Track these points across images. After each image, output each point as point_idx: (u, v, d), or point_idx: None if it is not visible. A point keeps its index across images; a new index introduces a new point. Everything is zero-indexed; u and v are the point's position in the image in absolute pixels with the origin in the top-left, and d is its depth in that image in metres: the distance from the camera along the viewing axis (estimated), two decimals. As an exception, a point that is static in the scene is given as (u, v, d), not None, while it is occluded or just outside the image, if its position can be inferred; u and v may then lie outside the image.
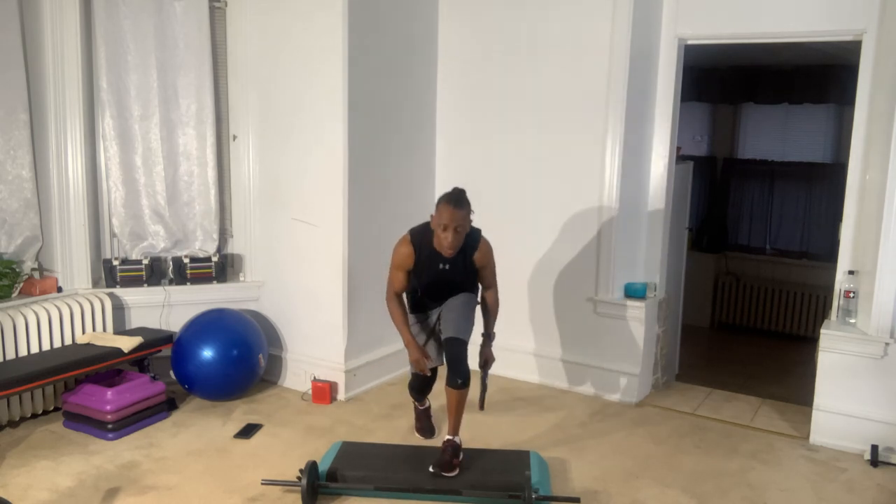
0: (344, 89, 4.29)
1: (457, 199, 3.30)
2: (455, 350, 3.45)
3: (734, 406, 4.64)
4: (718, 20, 4.37)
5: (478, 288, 3.65)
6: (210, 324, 4.44)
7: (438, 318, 3.64)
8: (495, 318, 3.66)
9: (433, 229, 3.35)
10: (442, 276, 3.48)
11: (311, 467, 3.31)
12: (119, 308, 4.54)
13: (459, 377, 3.41)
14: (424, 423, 4.00)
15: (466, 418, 4.17)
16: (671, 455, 3.92)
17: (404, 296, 3.66)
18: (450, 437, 3.54)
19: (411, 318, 3.67)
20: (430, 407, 4.02)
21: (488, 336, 3.65)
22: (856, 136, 4.03)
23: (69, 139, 4.39)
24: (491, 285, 3.61)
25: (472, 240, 3.45)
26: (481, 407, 3.76)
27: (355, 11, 4.28)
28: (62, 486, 3.45)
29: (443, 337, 3.55)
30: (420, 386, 3.81)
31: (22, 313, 4.06)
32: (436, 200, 3.40)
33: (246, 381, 4.50)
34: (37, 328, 4.10)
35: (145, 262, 4.61)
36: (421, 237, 3.45)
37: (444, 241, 3.29)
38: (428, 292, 3.61)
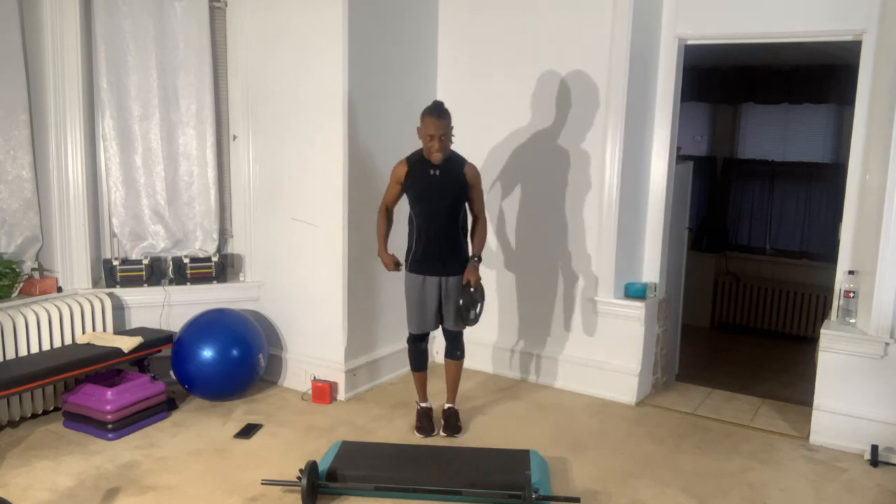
0: (344, 89, 4.30)
1: (439, 111, 3.78)
2: (456, 335, 4.07)
3: (734, 406, 4.64)
4: (718, 20, 4.37)
5: (466, 220, 4.00)
6: (210, 324, 4.44)
7: (439, 301, 3.95)
8: (482, 244, 4.00)
9: (421, 140, 3.82)
10: (433, 183, 3.83)
11: (311, 467, 3.31)
12: (119, 308, 4.54)
13: (458, 350, 4.09)
14: (424, 423, 4.11)
15: (465, 418, 4.19)
16: (671, 455, 3.92)
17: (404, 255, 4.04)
18: (450, 405, 4.15)
19: (410, 278, 3.98)
20: (431, 408, 4.16)
21: (473, 257, 3.95)
22: (856, 137, 4.03)
23: (69, 139, 4.39)
24: (480, 212, 3.99)
25: (459, 159, 3.92)
26: (467, 321, 3.95)
27: (355, 11, 4.28)
28: (62, 486, 3.45)
29: (444, 326, 4.04)
30: (416, 351, 4.09)
31: (22, 313, 4.06)
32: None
33: (246, 381, 4.50)
34: (37, 328, 4.10)
35: (145, 262, 4.61)
36: (413, 155, 3.93)
37: (432, 148, 3.76)
38: (424, 211, 3.87)
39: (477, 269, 3.92)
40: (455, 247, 3.94)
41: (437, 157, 3.78)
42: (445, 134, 3.77)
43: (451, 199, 3.88)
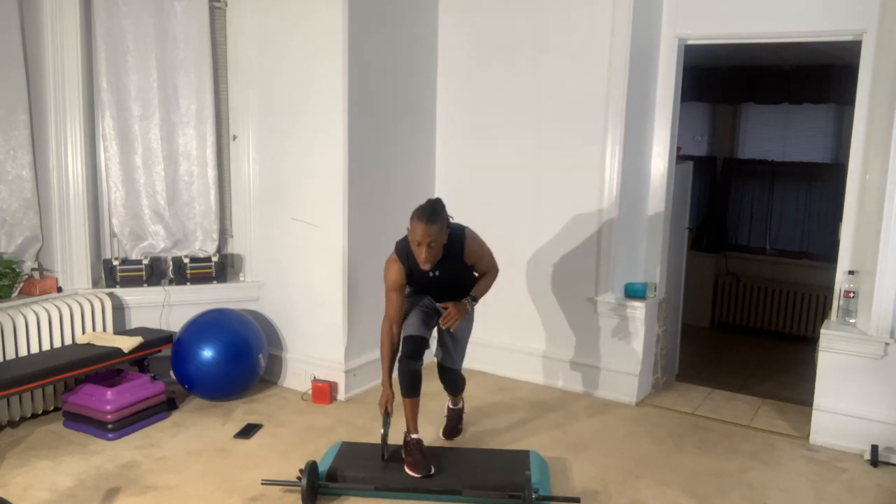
0: (344, 89, 4.29)
1: (429, 215, 3.27)
2: (453, 377, 3.87)
3: (734, 406, 4.64)
4: (718, 20, 4.37)
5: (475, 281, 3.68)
6: (210, 324, 4.44)
7: (439, 319, 3.63)
8: (485, 290, 3.65)
9: (409, 243, 3.36)
10: (434, 281, 3.53)
11: (311, 467, 3.31)
12: (119, 308, 4.54)
13: (456, 391, 3.97)
14: (417, 457, 3.47)
15: (465, 419, 4.18)
16: (671, 455, 3.92)
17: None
18: (452, 407, 4.04)
19: (409, 289, 3.63)
20: (422, 440, 3.57)
21: (470, 296, 3.59)
22: (856, 136, 4.03)
23: (69, 139, 4.39)
24: (488, 270, 3.64)
25: (457, 241, 3.44)
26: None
27: (356, 12, 4.28)
28: (62, 486, 3.45)
29: (441, 363, 3.81)
30: (409, 371, 3.51)
31: (22, 313, 4.06)
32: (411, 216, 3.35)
33: (246, 381, 4.50)
34: (37, 328, 4.10)
35: (145, 262, 4.61)
36: (404, 251, 3.46)
37: (419, 257, 3.32)
38: (428, 293, 3.69)
39: (465, 309, 3.53)
40: (465, 292, 3.62)
41: (426, 267, 3.35)
42: (435, 241, 3.27)
43: (457, 284, 3.56)
